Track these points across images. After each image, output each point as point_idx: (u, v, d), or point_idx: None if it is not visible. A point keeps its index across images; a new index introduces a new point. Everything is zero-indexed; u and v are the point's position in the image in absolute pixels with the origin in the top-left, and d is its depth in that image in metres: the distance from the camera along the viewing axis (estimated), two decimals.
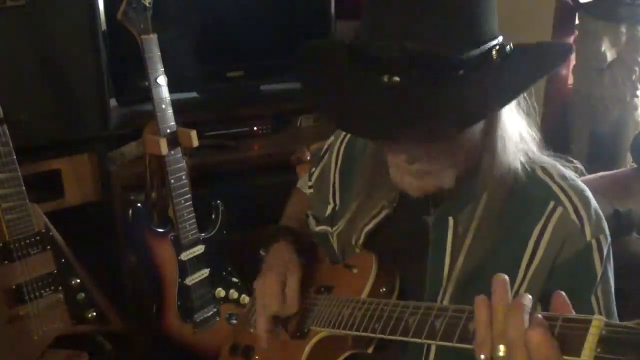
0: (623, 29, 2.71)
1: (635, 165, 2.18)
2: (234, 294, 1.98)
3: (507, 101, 0.83)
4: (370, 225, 1.08)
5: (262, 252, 1.22)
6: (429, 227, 1.02)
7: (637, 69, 2.80)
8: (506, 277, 0.76)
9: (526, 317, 0.70)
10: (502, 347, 0.72)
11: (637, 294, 1.07)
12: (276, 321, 1.11)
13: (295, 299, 1.09)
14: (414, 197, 0.96)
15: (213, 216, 1.99)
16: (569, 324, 0.68)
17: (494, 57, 0.84)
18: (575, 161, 1.03)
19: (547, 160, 1.01)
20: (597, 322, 0.65)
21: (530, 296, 0.73)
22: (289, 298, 1.08)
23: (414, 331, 0.85)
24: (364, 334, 0.95)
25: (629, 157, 2.63)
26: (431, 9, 0.80)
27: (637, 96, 2.86)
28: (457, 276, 0.98)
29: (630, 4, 2.70)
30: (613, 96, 2.83)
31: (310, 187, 1.31)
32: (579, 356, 0.65)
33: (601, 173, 2.08)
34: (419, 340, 0.85)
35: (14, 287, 1.67)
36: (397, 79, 0.80)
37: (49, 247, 1.74)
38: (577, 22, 2.86)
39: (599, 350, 0.64)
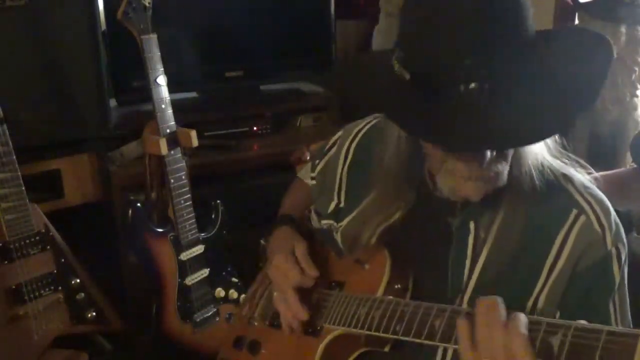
0: (623, 29, 2.71)
1: (635, 165, 2.18)
2: (233, 294, 1.98)
3: (596, 96, 0.84)
4: (385, 225, 1.07)
5: (262, 242, 1.23)
6: (451, 230, 1.01)
7: (636, 69, 2.79)
8: (489, 299, 0.82)
9: (504, 328, 0.76)
10: None
11: (637, 293, 1.07)
12: (302, 295, 1.10)
13: (311, 264, 1.10)
14: (472, 200, 0.94)
15: (213, 216, 1.99)
16: (615, 338, 0.69)
17: (543, 49, 0.86)
18: (588, 166, 1.03)
19: (567, 167, 1.01)
20: None
21: (502, 308, 0.79)
22: (305, 265, 1.10)
23: (441, 335, 0.86)
24: (384, 335, 0.94)
25: (629, 157, 2.63)
26: (487, 20, 0.82)
27: (636, 96, 2.86)
28: (476, 281, 0.98)
29: (630, 4, 2.69)
30: (613, 96, 2.83)
31: (312, 179, 1.30)
32: None
33: (601, 173, 2.07)
34: (447, 345, 0.85)
35: (13, 287, 1.67)
36: (474, 86, 0.81)
37: (48, 247, 1.74)
38: (577, 22, 2.86)
39: None
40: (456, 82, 0.82)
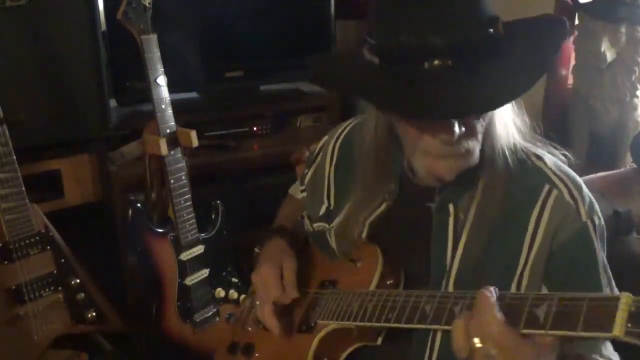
0: (623, 29, 2.71)
1: (635, 165, 2.18)
2: (233, 294, 1.99)
3: (549, 66, 0.89)
4: (372, 217, 1.10)
5: (256, 250, 1.24)
6: (432, 215, 1.04)
7: (636, 69, 2.80)
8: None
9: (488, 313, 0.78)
10: (476, 340, 0.78)
11: (637, 294, 1.07)
12: (280, 310, 1.13)
13: (293, 284, 1.12)
14: (445, 180, 0.98)
15: (213, 216, 1.99)
16: (597, 303, 0.71)
17: (501, 29, 0.89)
18: (561, 149, 1.07)
19: (539, 148, 1.05)
20: (626, 299, 0.68)
21: (492, 290, 0.80)
22: (287, 284, 1.12)
23: (432, 318, 0.87)
24: (377, 324, 0.96)
25: (629, 157, 2.63)
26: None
27: (636, 96, 2.86)
28: (460, 262, 1.00)
29: (629, 4, 2.70)
30: (613, 96, 2.83)
31: (303, 191, 1.32)
32: (610, 332, 0.68)
33: (601, 173, 2.08)
34: (437, 327, 0.87)
35: (13, 287, 1.67)
36: (437, 62, 0.86)
37: (48, 247, 1.74)
38: (577, 22, 2.87)
39: (629, 325, 0.67)
40: (421, 59, 0.86)
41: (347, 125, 1.24)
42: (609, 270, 1.02)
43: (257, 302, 1.15)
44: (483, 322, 0.78)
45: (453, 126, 0.89)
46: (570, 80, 3.02)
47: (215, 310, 1.95)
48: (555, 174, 1.02)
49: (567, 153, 1.06)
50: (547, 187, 1.00)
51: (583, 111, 2.92)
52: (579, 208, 0.99)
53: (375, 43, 0.92)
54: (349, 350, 1.05)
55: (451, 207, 1.02)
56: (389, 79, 0.90)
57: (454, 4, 0.87)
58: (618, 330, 0.67)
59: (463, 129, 0.91)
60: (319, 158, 1.27)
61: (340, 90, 1.05)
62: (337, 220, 1.16)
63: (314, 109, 2.60)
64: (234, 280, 2.00)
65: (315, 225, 1.22)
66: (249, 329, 1.23)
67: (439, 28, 0.85)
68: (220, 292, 1.96)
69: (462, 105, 0.86)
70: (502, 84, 0.87)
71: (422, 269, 1.03)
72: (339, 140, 1.23)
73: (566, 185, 1.00)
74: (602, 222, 1.02)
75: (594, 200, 1.02)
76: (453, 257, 1.01)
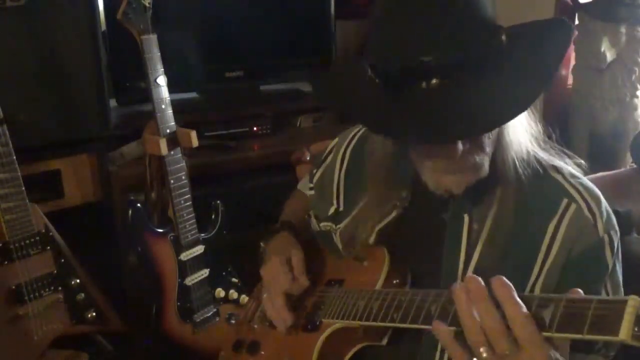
0: (622, 30, 2.72)
1: (635, 166, 2.19)
2: (233, 294, 1.98)
3: (552, 77, 0.87)
4: (382, 224, 1.09)
5: (262, 244, 1.24)
6: (445, 224, 1.03)
7: (636, 69, 2.80)
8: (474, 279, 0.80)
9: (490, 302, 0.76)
10: (482, 349, 0.76)
11: (637, 294, 1.07)
12: (291, 303, 1.11)
13: (304, 274, 1.11)
14: (455, 194, 0.97)
15: (213, 216, 1.99)
16: (604, 305, 0.70)
17: (503, 40, 0.88)
18: (574, 156, 1.06)
19: (555, 158, 1.04)
20: (634, 302, 0.67)
21: (503, 280, 0.77)
22: (297, 274, 1.11)
23: (437, 318, 0.86)
24: (381, 324, 0.95)
25: (628, 157, 2.63)
26: (443, 13, 0.85)
27: (636, 96, 2.86)
28: (473, 272, 0.99)
29: (629, 4, 2.70)
30: (613, 96, 2.84)
31: (311, 189, 1.32)
32: (617, 335, 0.66)
33: (601, 173, 2.08)
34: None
35: (13, 287, 1.67)
36: (435, 81, 0.84)
37: (48, 247, 1.74)
38: (577, 22, 2.87)
39: (636, 329, 0.65)
40: (418, 79, 0.85)
41: (360, 129, 1.23)
42: (620, 286, 1.02)
43: (265, 295, 1.14)
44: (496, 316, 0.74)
45: (457, 144, 0.88)
46: (570, 80, 3.02)
47: (215, 310, 1.95)
48: (574, 188, 1.01)
49: (582, 162, 1.05)
50: (565, 201, 0.99)
51: (583, 111, 2.92)
52: (597, 223, 0.98)
53: (372, 63, 0.90)
54: (354, 349, 1.05)
55: (466, 217, 1.01)
56: (389, 100, 0.89)
57: (451, 18, 0.85)
58: (625, 334, 0.66)
59: (467, 145, 0.90)
60: (329, 159, 1.26)
61: (342, 109, 1.04)
62: (344, 223, 1.16)
63: (314, 109, 2.60)
64: (234, 280, 2.00)
65: (322, 224, 1.22)
66: (255, 326, 1.23)
67: (436, 46, 0.83)
68: (220, 292, 1.96)
69: (462, 127, 0.85)
70: (503, 100, 0.85)
71: (432, 277, 1.02)
72: (351, 146, 1.22)
73: (585, 200, 1.00)
74: (619, 235, 1.01)
75: (612, 214, 1.02)
76: (466, 267, 1.00)
